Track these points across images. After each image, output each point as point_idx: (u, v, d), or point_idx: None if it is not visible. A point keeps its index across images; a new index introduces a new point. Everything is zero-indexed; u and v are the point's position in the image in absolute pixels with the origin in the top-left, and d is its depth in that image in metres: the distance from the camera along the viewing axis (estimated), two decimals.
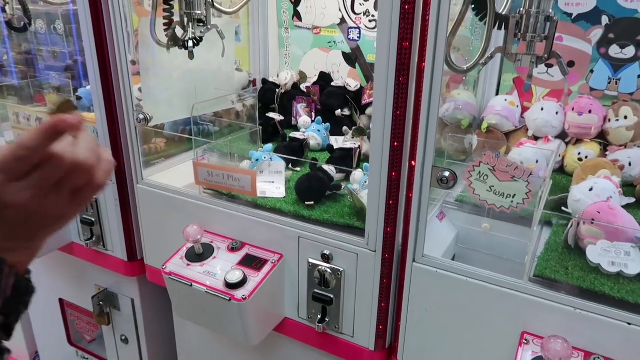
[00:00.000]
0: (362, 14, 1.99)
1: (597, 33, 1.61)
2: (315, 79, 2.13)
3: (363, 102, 1.98)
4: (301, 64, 2.21)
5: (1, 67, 2.51)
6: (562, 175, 1.65)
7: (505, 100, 1.75)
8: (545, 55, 1.06)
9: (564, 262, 1.16)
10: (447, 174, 1.12)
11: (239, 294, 1.30)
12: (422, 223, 1.19)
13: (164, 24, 1.49)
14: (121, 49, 1.52)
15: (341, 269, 1.32)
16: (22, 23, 2.02)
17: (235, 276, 1.32)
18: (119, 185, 1.68)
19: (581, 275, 1.10)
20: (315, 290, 1.37)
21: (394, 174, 1.17)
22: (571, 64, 1.67)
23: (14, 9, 1.96)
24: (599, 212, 1.17)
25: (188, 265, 1.41)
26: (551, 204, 1.40)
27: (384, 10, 1.05)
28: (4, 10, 1.91)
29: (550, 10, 1.04)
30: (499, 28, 1.13)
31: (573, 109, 1.62)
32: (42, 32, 2.41)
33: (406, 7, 1.03)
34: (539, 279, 1.12)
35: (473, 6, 1.11)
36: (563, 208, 1.35)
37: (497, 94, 1.85)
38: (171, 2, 1.47)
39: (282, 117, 1.99)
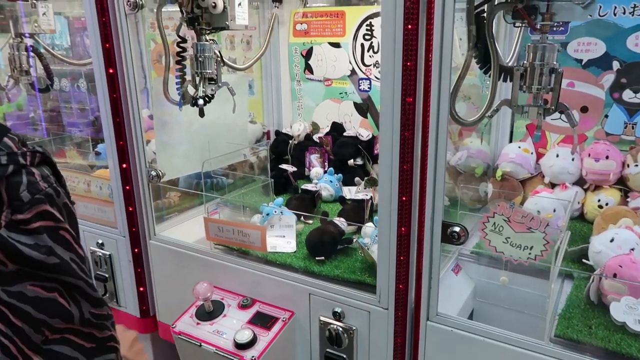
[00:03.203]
0: (372, 65, 2.02)
1: (608, 78, 1.59)
2: (327, 129, 2.15)
3: (375, 152, 1.97)
4: (314, 115, 2.24)
5: (31, 123, 2.62)
6: (583, 222, 1.59)
7: (519, 147, 1.72)
8: (552, 107, 1.04)
9: (587, 320, 1.10)
10: (457, 229, 1.09)
11: (248, 354, 1.26)
12: (435, 280, 1.15)
13: (177, 83, 1.53)
14: (135, 109, 1.56)
15: (353, 327, 1.28)
16: (46, 85, 2.11)
17: (245, 336, 1.29)
18: (132, 242, 1.69)
19: (606, 335, 1.04)
20: (328, 350, 1.32)
21: (403, 229, 1.14)
22: (584, 109, 1.65)
23: (39, 71, 2.06)
24: (621, 266, 1.11)
25: (198, 324, 1.38)
26: (571, 255, 1.35)
27: (387, 66, 1.05)
28: (27, 73, 2.00)
29: (555, 62, 1.03)
30: (504, 80, 1.12)
31: (589, 155, 1.58)
32: (67, 90, 2.51)
33: (408, 63, 1.03)
34: (561, 340, 1.06)
35: (477, 59, 1.11)
36: (584, 260, 1.29)
37: (510, 141, 1.82)
38: (184, 62, 1.52)
39: (294, 169, 1.99)
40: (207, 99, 1.53)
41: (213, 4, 1.38)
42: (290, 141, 2.14)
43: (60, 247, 0.54)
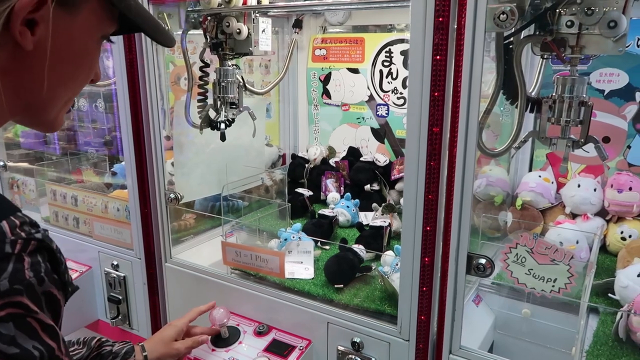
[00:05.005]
0: (390, 92, 2.03)
1: (631, 109, 1.58)
2: (344, 154, 2.15)
3: (392, 177, 1.97)
4: (330, 139, 2.24)
5: (45, 142, 2.64)
6: (605, 254, 1.56)
7: (540, 176, 1.71)
8: (582, 140, 1.03)
9: (616, 358, 1.07)
10: (482, 261, 1.07)
11: None
12: (458, 312, 1.12)
13: (198, 107, 1.54)
14: (156, 134, 1.56)
15: (372, 359, 1.25)
16: None
17: None
18: (148, 264, 1.68)
19: None
20: None
21: (426, 259, 1.13)
22: (606, 139, 1.63)
23: None
24: None
25: (213, 350, 1.36)
26: (596, 289, 1.32)
27: (414, 96, 1.05)
28: None
29: (584, 95, 1.02)
30: (531, 111, 1.11)
31: (612, 186, 1.56)
32: (84, 110, 2.54)
33: (436, 94, 1.03)
34: None
35: (503, 90, 1.10)
36: (610, 295, 1.27)
37: (530, 169, 1.81)
38: (205, 87, 1.53)
39: (311, 193, 1.99)
40: (227, 122, 1.54)
41: (238, 30, 1.40)
42: (306, 165, 2.14)
43: (23, 335, 0.53)
